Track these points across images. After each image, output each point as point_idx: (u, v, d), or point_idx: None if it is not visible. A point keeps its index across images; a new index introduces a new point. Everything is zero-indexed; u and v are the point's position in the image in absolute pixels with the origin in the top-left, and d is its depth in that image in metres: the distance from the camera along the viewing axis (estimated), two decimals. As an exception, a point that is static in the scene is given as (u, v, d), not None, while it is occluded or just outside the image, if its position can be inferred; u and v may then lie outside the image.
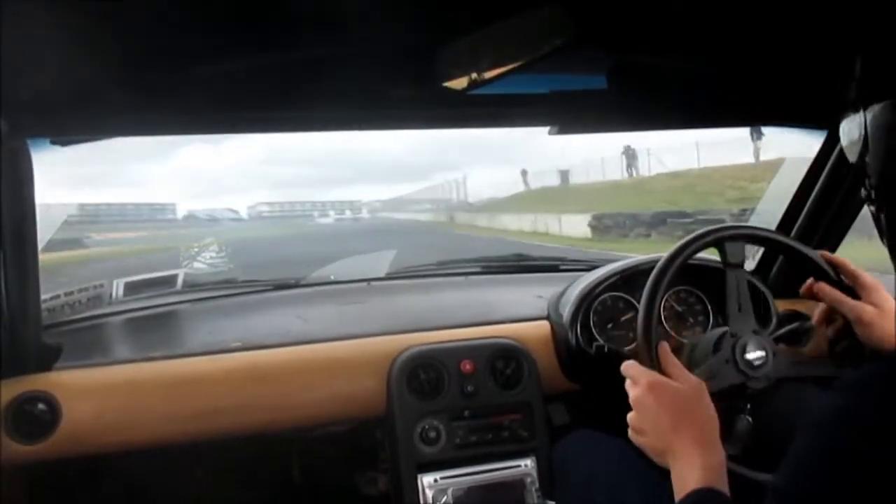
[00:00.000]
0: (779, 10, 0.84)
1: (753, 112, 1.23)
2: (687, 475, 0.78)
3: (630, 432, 0.88)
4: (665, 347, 0.93)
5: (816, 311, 1.06)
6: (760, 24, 0.89)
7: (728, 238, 1.09)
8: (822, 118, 1.23)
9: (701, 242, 1.06)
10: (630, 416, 0.88)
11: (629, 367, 0.92)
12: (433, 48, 0.85)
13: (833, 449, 0.53)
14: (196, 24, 0.77)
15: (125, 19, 0.73)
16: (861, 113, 0.57)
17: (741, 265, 1.07)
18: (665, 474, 0.83)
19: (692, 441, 0.80)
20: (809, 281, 1.04)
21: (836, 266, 1.04)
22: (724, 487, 0.76)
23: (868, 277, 1.01)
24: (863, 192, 0.61)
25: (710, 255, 1.14)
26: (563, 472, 1.16)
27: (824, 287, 1.02)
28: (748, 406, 1.04)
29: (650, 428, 0.85)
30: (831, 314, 1.05)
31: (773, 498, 0.55)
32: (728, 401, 1.03)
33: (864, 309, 0.98)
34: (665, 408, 0.84)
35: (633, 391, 0.89)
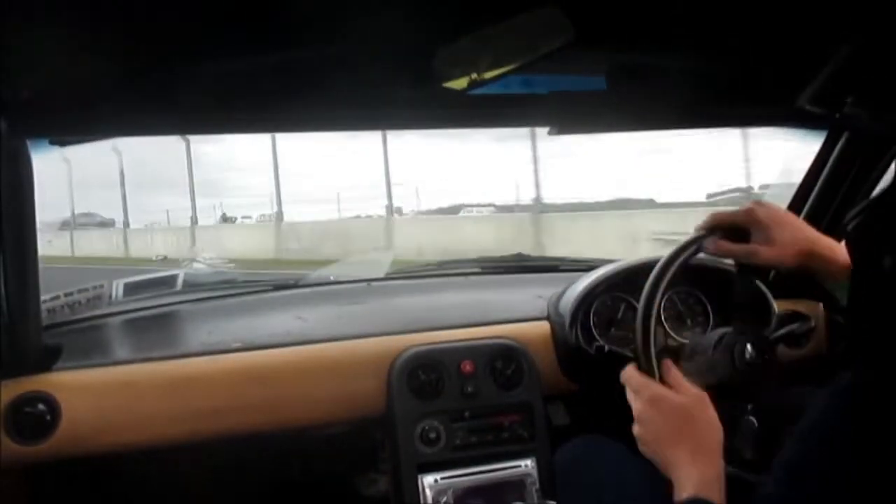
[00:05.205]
0: (778, 7, 0.84)
1: (754, 112, 1.22)
2: (682, 486, 0.78)
3: (639, 444, 0.88)
4: (668, 362, 0.91)
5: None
6: (760, 22, 0.89)
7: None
8: (825, 117, 1.23)
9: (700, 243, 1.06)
10: (635, 430, 0.88)
11: (630, 378, 0.91)
12: (433, 48, 0.85)
13: (815, 457, 0.54)
14: (196, 24, 0.77)
15: (125, 19, 0.73)
16: None
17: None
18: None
19: (689, 453, 0.80)
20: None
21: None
22: (718, 498, 0.76)
23: (759, 213, 0.97)
24: None
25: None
26: (568, 477, 1.16)
27: (714, 243, 0.99)
28: (749, 407, 1.04)
29: (652, 440, 0.85)
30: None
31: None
32: (730, 401, 1.02)
33: (757, 250, 0.97)
34: (665, 421, 0.84)
35: (635, 404, 0.89)
